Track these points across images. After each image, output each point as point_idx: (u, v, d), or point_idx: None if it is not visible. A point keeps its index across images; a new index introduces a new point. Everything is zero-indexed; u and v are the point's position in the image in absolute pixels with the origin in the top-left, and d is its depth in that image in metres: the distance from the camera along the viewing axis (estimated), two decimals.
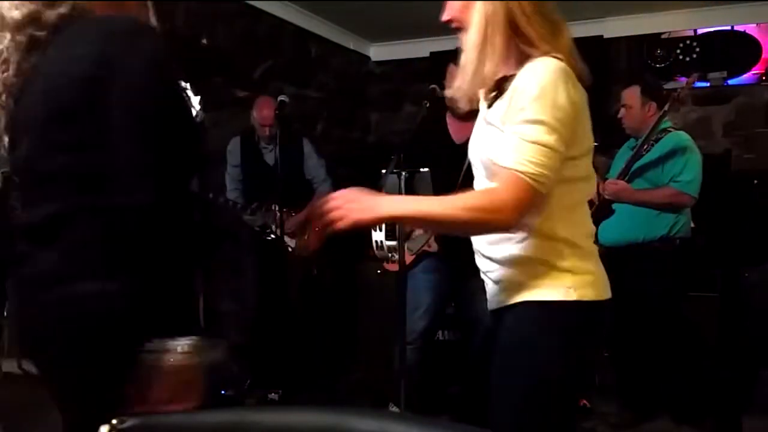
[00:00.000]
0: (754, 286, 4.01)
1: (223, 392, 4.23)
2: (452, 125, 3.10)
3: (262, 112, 3.99)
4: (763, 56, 4.97)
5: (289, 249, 4.04)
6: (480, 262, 1.60)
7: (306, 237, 4.07)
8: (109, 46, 1.07)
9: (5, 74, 1.10)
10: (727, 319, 4.15)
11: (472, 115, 3.23)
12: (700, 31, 5.12)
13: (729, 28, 5.04)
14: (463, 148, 3.03)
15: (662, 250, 3.34)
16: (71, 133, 1.06)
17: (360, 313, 4.91)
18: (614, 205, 3.45)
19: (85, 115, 1.05)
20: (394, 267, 3.28)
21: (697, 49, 5.07)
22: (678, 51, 5.12)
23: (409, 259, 3.13)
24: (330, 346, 4.61)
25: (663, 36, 5.22)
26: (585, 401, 3.71)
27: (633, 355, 3.57)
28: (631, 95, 3.50)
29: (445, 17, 1.55)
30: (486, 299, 1.63)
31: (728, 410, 3.31)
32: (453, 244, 2.58)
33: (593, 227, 1.59)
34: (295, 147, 4.15)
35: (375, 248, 2.64)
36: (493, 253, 1.55)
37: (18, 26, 1.12)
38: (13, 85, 1.11)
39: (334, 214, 1.39)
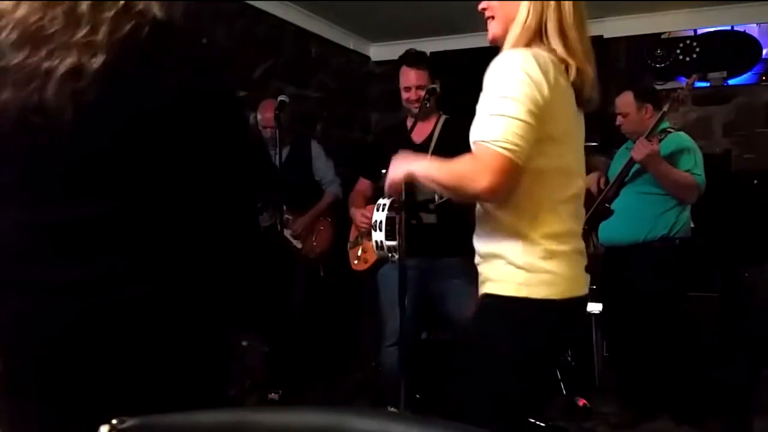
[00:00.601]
0: (754, 286, 4.00)
1: None
2: (412, 126, 3.13)
3: (266, 114, 3.99)
4: (763, 56, 4.97)
5: (297, 247, 4.03)
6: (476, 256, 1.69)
7: (313, 239, 4.07)
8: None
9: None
10: (727, 319, 4.15)
11: (427, 115, 3.28)
12: (700, 31, 5.12)
13: (729, 28, 5.04)
14: (423, 147, 3.06)
15: (663, 250, 3.35)
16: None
17: (360, 313, 4.91)
18: (615, 206, 3.44)
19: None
20: (361, 266, 3.29)
21: (697, 49, 5.07)
22: (678, 51, 5.11)
23: (372, 258, 3.14)
24: (330, 346, 4.61)
25: (663, 36, 5.21)
26: (585, 401, 3.71)
27: (633, 355, 3.57)
28: (626, 102, 3.51)
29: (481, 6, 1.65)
30: (454, 298, 1.74)
31: (737, 412, 3.30)
32: (418, 242, 2.61)
33: (573, 226, 1.59)
34: (302, 148, 4.15)
35: (375, 248, 2.64)
36: (476, 246, 1.64)
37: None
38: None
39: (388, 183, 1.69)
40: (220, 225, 1.16)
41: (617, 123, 3.56)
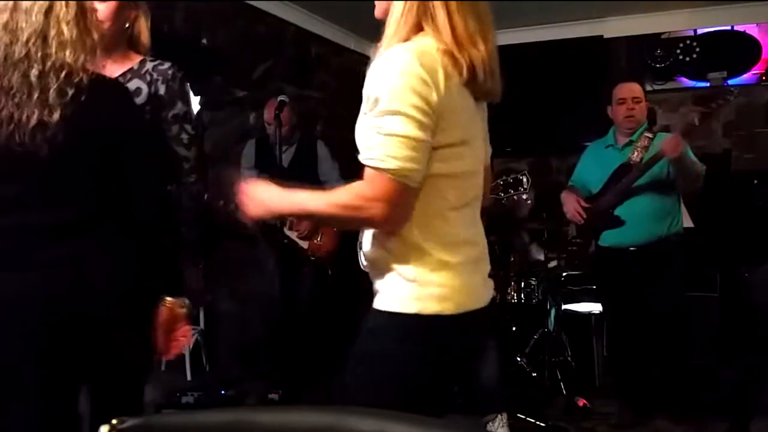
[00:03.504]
0: (754, 286, 4.01)
1: (223, 392, 4.22)
2: None
3: (271, 114, 4.02)
4: (763, 56, 4.97)
5: (303, 248, 4.03)
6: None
7: (319, 239, 4.08)
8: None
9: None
10: (727, 319, 4.15)
11: None
12: (700, 31, 5.12)
13: (729, 28, 5.04)
14: None
15: (671, 247, 3.37)
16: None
17: (360, 312, 4.91)
18: (618, 211, 3.42)
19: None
20: None
21: (697, 49, 5.07)
22: (678, 51, 5.11)
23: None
24: (330, 346, 4.61)
25: (663, 36, 5.22)
26: (585, 401, 3.71)
27: (634, 355, 3.56)
28: (636, 89, 3.50)
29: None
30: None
31: (738, 411, 3.31)
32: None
33: (469, 233, 1.47)
34: (309, 149, 4.16)
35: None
36: (364, 249, 1.52)
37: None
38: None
39: (242, 208, 1.50)
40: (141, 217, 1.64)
41: (628, 113, 3.44)
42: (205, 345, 4.61)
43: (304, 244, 4.04)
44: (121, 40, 2.02)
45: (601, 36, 5.26)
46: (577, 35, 5.33)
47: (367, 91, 1.35)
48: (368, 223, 1.35)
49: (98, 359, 1.57)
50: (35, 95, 1.49)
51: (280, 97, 3.77)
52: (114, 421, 0.75)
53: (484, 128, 1.57)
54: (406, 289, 1.40)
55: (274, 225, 3.83)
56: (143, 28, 2.07)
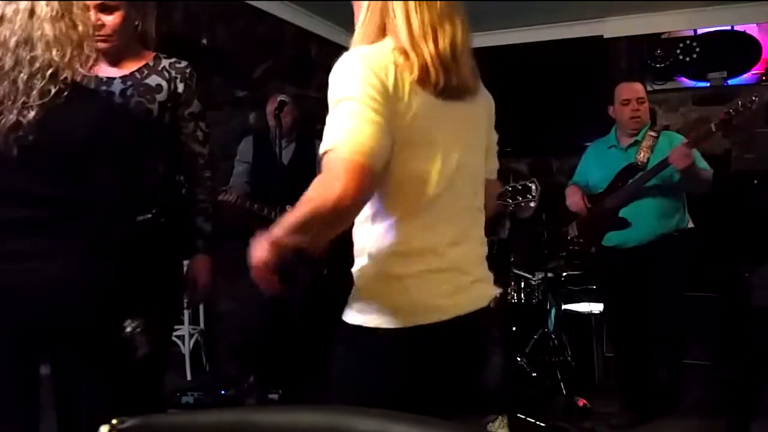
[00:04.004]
0: (754, 286, 4.00)
1: (223, 392, 4.22)
2: None
3: (271, 109, 4.05)
4: (763, 56, 4.97)
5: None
6: None
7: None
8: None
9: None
10: (727, 319, 4.15)
11: None
12: (700, 31, 5.12)
13: (729, 28, 5.04)
14: None
15: (663, 249, 3.35)
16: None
17: None
18: (624, 212, 3.40)
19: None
20: None
21: (697, 49, 5.07)
22: (678, 51, 5.11)
23: None
24: (330, 346, 4.61)
25: (663, 36, 5.22)
26: (585, 401, 3.71)
27: (636, 354, 3.55)
28: (642, 88, 3.50)
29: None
30: None
31: (739, 411, 3.31)
32: None
33: (432, 241, 1.38)
34: (308, 148, 4.16)
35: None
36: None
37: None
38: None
39: (253, 270, 1.35)
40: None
41: (633, 114, 3.41)
42: (205, 345, 4.62)
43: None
44: (132, 40, 2.06)
45: (601, 36, 5.26)
46: (577, 35, 5.33)
47: (328, 95, 1.33)
48: (331, 206, 1.23)
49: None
50: (21, 99, 1.55)
51: (280, 97, 3.77)
52: (114, 421, 0.76)
53: (477, 133, 1.51)
54: (357, 302, 1.39)
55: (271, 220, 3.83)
56: (151, 24, 2.12)
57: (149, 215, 2.04)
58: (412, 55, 1.32)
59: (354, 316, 1.38)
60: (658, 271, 3.37)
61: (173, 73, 2.07)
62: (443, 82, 1.34)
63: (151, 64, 2.07)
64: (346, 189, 1.21)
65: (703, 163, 3.32)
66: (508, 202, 3.20)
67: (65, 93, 1.58)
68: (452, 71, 1.36)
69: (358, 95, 1.26)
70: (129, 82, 2.03)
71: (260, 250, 1.32)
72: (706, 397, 3.67)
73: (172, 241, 2.10)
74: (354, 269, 1.42)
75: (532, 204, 4.35)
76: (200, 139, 2.14)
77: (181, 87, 2.07)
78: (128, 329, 1.72)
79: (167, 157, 2.09)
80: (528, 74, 5.35)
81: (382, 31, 1.38)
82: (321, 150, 1.28)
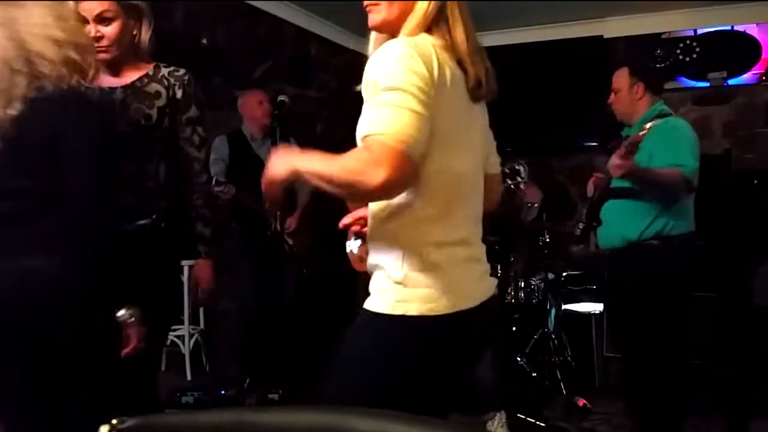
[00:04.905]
0: (754, 286, 4.01)
1: (223, 392, 4.21)
2: None
3: (256, 109, 4.07)
4: (763, 56, 4.97)
5: (289, 244, 4.04)
6: None
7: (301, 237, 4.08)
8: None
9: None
10: (727, 319, 4.15)
11: None
12: (700, 31, 5.12)
13: (729, 28, 5.04)
14: None
15: (659, 250, 3.17)
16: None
17: (359, 312, 4.91)
18: (606, 209, 3.32)
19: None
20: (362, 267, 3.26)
21: (697, 49, 5.07)
22: (678, 51, 5.12)
23: None
24: (330, 346, 4.61)
25: (663, 36, 5.22)
26: (585, 401, 3.72)
27: (633, 357, 3.54)
28: (620, 78, 3.23)
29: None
30: None
31: (739, 411, 3.29)
32: None
33: (463, 232, 1.46)
34: (283, 144, 4.16)
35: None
36: (369, 258, 1.51)
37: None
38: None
39: (267, 170, 1.44)
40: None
41: (609, 101, 3.27)
42: (205, 345, 4.62)
43: (290, 241, 4.04)
44: (130, 50, 2.11)
45: (601, 36, 5.26)
46: (577, 35, 5.33)
47: (366, 80, 1.38)
48: (367, 189, 1.28)
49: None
50: (3, 85, 1.59)
51: (280, 97, 3.77)
52: (114, 421, 0.76)
53: (484, 134, 1.60)
54: (394, 291, 1.40)
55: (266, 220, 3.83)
56: (145, 34, 2.15)
57: (149, 220, 2.07)
58: (470, 66, 1.44)
59: (392, 305, 1.39)
60: (622, 279, 3.18)
61: (172, 80, 2.13)
62: (485, 90, 1.48)
63: (151, 73, 2.13)
64: (389, 176, 1.26)
65: (673, 159, 2.95)
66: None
67: (47, 88, 1.60)
68: (490, 81, 1.50)
69: (405, 86, 1.30)
70: (130, 91, 2.08)
71: (280, 168, 1.40)
72: (706, 397, 3.67)
73: (171, 245, 2.14)
74: (380, 261, 1.43)
75: (536, 204, 4.39)
76: (196, 144, 2.18)
77: (179, 93, 2.12)
78: (122, 314, 1.73)
79: (168, 162, 2.13)
80: (528, 74, 5.34)
81: (435, 24, 1.45)
82: (361, 133, 1.33)
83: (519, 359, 4.00)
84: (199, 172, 2.20)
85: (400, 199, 1.40)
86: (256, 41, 4.70)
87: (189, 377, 4.43)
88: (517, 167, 3.20)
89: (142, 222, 2.06)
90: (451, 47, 1.42)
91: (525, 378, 3.95)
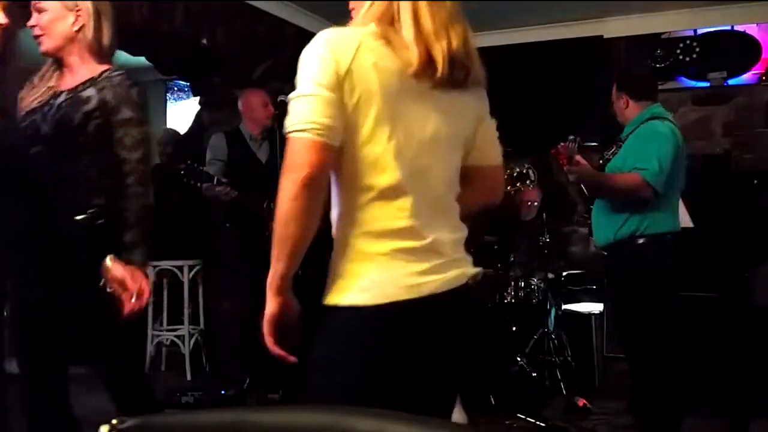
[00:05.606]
0: (755, 286, 4.01)
1: (223, 392, 4.21)
2: None
3: (258, 109, 4.07)
4: (763, 56, 4.98)
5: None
6: None
7: None
8: None
9: None
10: (727, 319, 4.15)
11: None
12: (700, 31, 5.12)
13: (729, 28, 5.05)
14: None
15: (636, 249, 3.10)
16: None
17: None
18: (596, 205, 3.31)
19: None
20: None
21: (697, 49, 5.07)
22: (678, 51, 5.12)
23: None
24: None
25: (663, 36, 5.22)
26: (585, 401, 3.72)
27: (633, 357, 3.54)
28: (613, 90, 3.30)
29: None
30: None
31: (739, 411, 3.28)
32: None
33: (400, 223, 1.40)
34: (281, 144, 4.16)
35: None
36: None
37: None
38: None
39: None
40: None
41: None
42: (205, 345, 4.62)
43: None
44: (84, 49, 2.14)
45: (601, 36, 5.26)
46: (577, 35, 5.33)
47: None
48: (292, 189, 1.32)
49: None
50: None
51: (281, 98, 3.77)
52: (114, 421, 0.76)
53: (435, 121, 1.48)
54: (333, 282, 1.40)
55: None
56: (104, 32, 2.16)
57: (85, 215, 2.09)
58: (415, 50, 1.38)
59: (329, 296, 1.40)
60: (613, 280, 3.21)
61: (106, 83, 2.12)
62: (447, 75, 1.40)
63: (96, 77, 2.14)
64: (303, 173, 1.30)
65: (635, 163, 2.97)
66: (507, 189, 3.21)
67: None
68: (461, 66, 1.43)
69: (313, 74, 1.34)
70: (70, 95, 2.11)
71: (269, 305, 1.40)
72: (706, 397, 3.67)
73: (105, 242, 2.09)
74: (333, 254, 1.44)
75: (536, 204, 4.39)
76: (127, 145, 2.11)
77: (109, 95, 2.10)
78: None
79: (102, 164, 2.12)
80: (528, 74, 5.35)
81: (387, 18, 1.43)
82: (285, 131, 1.36)
83: (519, 359, 4.00)
84: (129, 174, 2.11)
85: (336, 187, 1.41)
86: (256, 41, 4.70)
87: (189, 377, 4.43)
88: (525, 171, 3.22)
89: (79, 217, 2.08)
90: (397, 32, 1.40)
91: (525, 378, 3.96)
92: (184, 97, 7.22)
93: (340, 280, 1.39)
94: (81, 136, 2.10)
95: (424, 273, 1.40)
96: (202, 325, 4.63)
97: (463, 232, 1.54)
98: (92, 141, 2.12)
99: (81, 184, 2.11)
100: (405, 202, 1.40)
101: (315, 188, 1.34)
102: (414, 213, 1.41)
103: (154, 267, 4.49)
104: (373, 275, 1.37)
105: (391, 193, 1.39)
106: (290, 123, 1.34)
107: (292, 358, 1.43)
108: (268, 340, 1.42)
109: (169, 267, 4.51)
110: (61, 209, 2.11)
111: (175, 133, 5.53)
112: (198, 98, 5.13)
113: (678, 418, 3.06)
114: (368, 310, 1.36)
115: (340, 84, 1.33)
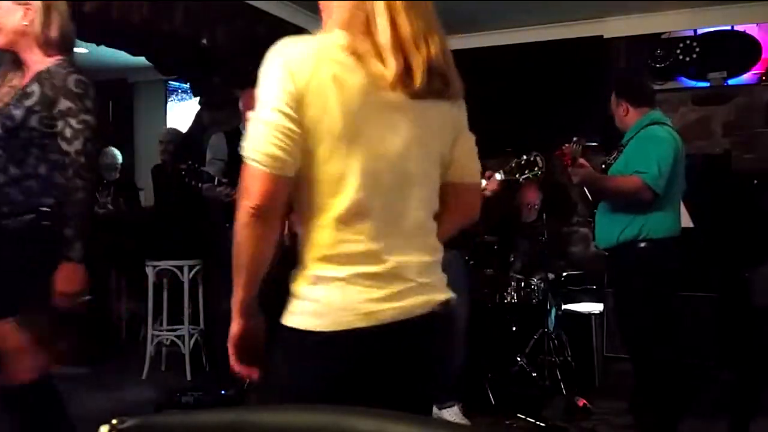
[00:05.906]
0: (754, 286, 4.00)
1: (223, 392, 4.23)
2: None
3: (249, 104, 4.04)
4: (763, 56, 4.97)
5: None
6: None
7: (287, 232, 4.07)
8: None
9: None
10: (727, 319, 4.15)
11: None
12: (700, 31, 5.12)
13: (729, 28, 5.04)
14: None
15: (635, 252, 3.06)
16: None
17: None
18: (599, 208, 3.33)
19: None
20: None
21: (697, 49, 5.07)
22: (678, 51, 5.11)
23: None
24: None
25: (663, 36, 5.21)
26: (585, 401, 3.71)
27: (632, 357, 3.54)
28: (612, 98, 3.36)
29: None
30: None
31: (737, 412, 3.28)
32: None
33: (359, 246, 1.33)
34: None
35: None
36: None
37: None
38: None
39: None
40: None
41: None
42: (205, 345, 4.62)
43: (287, 241, 4.04)
44: (34, 44, 2.14)
45: (601, 36, 5.26)
46: (577, 35, 5.33)
47: None
48: (249, 216, 1.30)
49: None
50: None
51: None
52: (114, 421, 0.75)
53: (444, 137, 1.44)
54: (290, 303, 1.37)
55: None
56: (53, 25, 2.14)
57: (33, 215, 2.07)
58: (392, 59, 1.30)
59: (287, 318, 1.36)
60: (614, 283, 3.29)
61: (47, 76, 2.11)
62: (425, 85, 1.33)
63: (43, 71, 2.12)
64: (253, 203, 1.28)
65: (636, 167, 3.03)
66: (516, 177, 3.21)
67: None
68: (440, 76, 1.36)
69: (268, 98, 1.29)
70: (20, 92, 2.11)
71: (232, 327, 1.41)
72: (706, 397, 3.68)
73: (53, 241, 2.07)
74: (291, 276, 1.40)
75: (537, 205, 4.38)
76: (67, 137, 2.08)
77: (48, 87, 2.08)
78: None
79: (47, 159, 2.10)
80: (528, 74, 5.34)
81: (363, 25, 1.34)
82: (240, 152, 1.32)
83: (519, 359, 4.00)
84: (69, 166, 2.08)
85: (297, 207, 1.37)
86: (256, 41, 4.70)
87: (189, 377, 4.43)
88: (533, 159, 3.21)
89: (27, 217, 2.07)
90: (371, 42, 1.32)
91: (525, 378, 3.96)
92: (186, 97, 7.24)
93: (297, 301, 1.36)
94: (24, 132, 2.08)
95: (382, 300, 1.33)
96: (202, 325, 4.63)
97: (438, 255, 1.46)
98: (36, 137, 2.09)
99: (31, 184, 2.09)
100: (364, 225, 1.33)
101: (265, 218, 1.30)
102: (374, 236, 1.34)
103: (154, 267, 4.50)
104: (329, 300, 1.32)
105: (348, 216, 1.32)
106: (245, 147, 1.30)
107: (255, 375, 1.44)
108: (231, 358, 1.43)
109: (169, 267, 4.51)
110: (14, 210, 2.08)
111: (177, 132, 5.53)
112: (198, 98, 5.14)
113: (678, 418, 3.07)
114: (323, 336, 1.31)
115: (299, 102, 1.27)
